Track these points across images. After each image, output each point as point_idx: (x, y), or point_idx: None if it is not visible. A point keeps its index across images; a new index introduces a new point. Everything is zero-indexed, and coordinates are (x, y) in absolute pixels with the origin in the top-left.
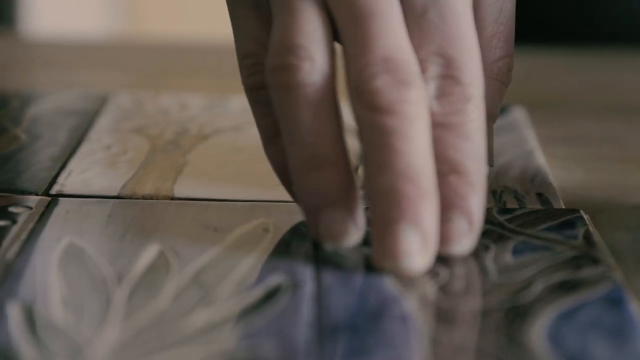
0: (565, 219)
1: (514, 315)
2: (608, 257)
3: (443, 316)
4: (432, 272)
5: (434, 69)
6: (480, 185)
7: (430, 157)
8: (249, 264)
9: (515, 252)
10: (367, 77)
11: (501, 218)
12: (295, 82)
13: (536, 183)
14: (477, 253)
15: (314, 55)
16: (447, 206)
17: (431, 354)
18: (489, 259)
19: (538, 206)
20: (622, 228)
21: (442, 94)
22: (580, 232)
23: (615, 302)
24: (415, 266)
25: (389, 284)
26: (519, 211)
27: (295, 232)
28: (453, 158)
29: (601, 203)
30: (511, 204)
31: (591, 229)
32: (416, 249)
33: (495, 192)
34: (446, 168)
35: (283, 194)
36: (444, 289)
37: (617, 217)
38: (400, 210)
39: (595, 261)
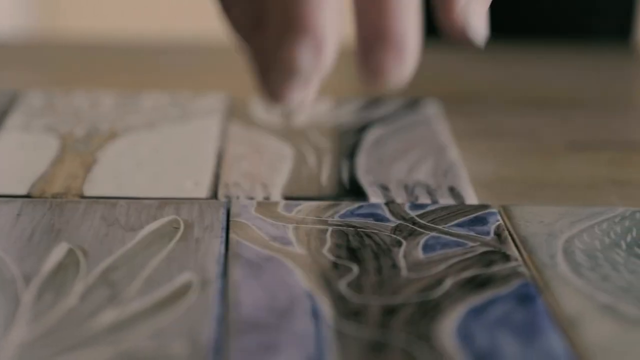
0: (477, 215)
1: (424, 312)
2: (520, 253)
3: (353, 312)
4: (343, 268)
5: None
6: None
7: None
8: (158, 261)
9: (426, 248)
10: None
11: (413, 213)
12: None
13: (449, 177)
14: (388, 249)
15: None
16: (385, 28)
17: (341, 350)
18: (399, 255)
19: (450, 201)
20: (535, 222)
21: None
22: (492, 227)
23: (525, 298)
24: (306, 75)
25: (299, 280)
26: (431, 206)
27: (205, 229)
28: None
29: (515, 197)
30: (423, 199)
31: (503, 224)
32: (310, 59)
33: (407, 187)
34: None
35: (192, 192)
36: (354, 285)
37: (530, 211)
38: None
39: (506, 257)
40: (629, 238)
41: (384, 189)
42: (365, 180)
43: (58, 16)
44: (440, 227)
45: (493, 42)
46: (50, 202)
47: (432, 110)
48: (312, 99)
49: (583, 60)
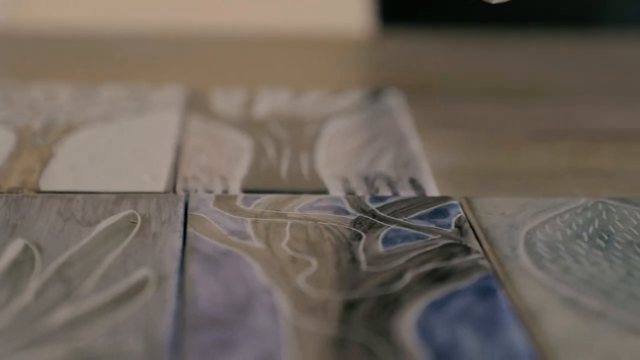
0: (438, 207)
1: (383, 306)
2: (481, 245)
3: (312, 307)
4: (301, 262)
5: None
6: None
7: None
8: (114, 257)
9: (386, 241)
10: None
11: (373, 206)
12: None
13: (410, 169)
14: (348, 242)
15: None
16: None
17: (299, 346)
18: (359, 248)
19: (411, 193)
20: (496, 214)
21: None
22: (453, 219)
23: (485, 291)
24: None
25: (257, 275)
26: (392, 199)
27: (163, 224)
28: None
29: (476, 188)
30: (384, 191)
31: (464, 216)
32: None
33: (368, 179)
34: None
35: (150, 186)
36: (313, 280)
37: (492, 203)
38: None
39: (467, 249)
40: (591, 229)
41: (345, 181)
42: (325, 172)
43: (14, 8)
44: (400, 219)
45: (455, 32)
46: (5, 197)
47: (393, 101)
48: None
49: (545, 49)
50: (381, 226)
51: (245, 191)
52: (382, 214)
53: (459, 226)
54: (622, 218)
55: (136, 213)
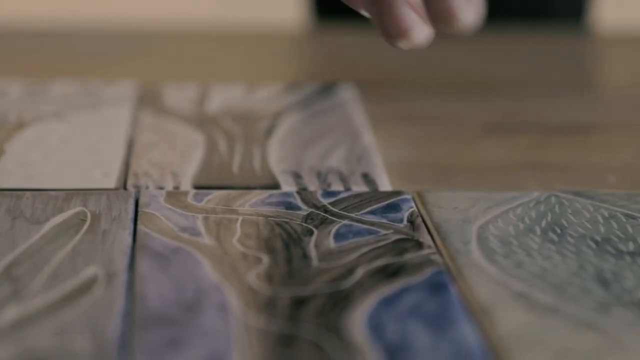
0: (390, 201)
1: (334, 303)
2: (433, 240)
3: (262, 304)
4: (252, 259)
5: None
6: None
7: None
8: (63, 255)
9: (338, 236)
10: None
11: (325, 201)
12: None
13: (362, 163)
14: (299, 238)
15: None
16: None
17: (249, 344)
18: (310, 244)
19: (363, 187)
20: (449, 208)
21: None
22: (406, 214)
23: (437, 286)
24: (421, 37)
25: (208, 272)
26: (344, 194)
27: (113, 221)
28: None
29: (430, 183)
30: (336, 185)
31: (417, 210)
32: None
33: (320, 174)
34: None
35: (101, 182)
36: (264, 276)
37: (444, 197)
38: None
39: (419, 244)
40: (543, 223)
41: (297, 176)
42: (277, 167)
43: None
44: (352, 214)
45: None
46: None
47: (347, 95)
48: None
49: (499, 43)
50: (333, 221)
51: (197, 187)
52: (334, 209)
53: (411, 221)
54: (574, 211)
55: (86, 210)
